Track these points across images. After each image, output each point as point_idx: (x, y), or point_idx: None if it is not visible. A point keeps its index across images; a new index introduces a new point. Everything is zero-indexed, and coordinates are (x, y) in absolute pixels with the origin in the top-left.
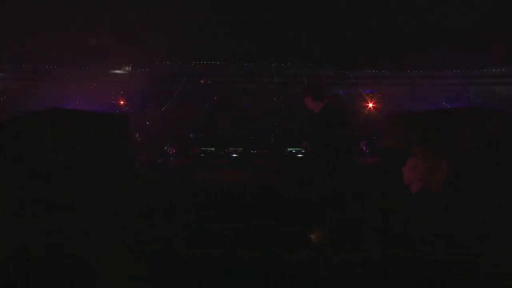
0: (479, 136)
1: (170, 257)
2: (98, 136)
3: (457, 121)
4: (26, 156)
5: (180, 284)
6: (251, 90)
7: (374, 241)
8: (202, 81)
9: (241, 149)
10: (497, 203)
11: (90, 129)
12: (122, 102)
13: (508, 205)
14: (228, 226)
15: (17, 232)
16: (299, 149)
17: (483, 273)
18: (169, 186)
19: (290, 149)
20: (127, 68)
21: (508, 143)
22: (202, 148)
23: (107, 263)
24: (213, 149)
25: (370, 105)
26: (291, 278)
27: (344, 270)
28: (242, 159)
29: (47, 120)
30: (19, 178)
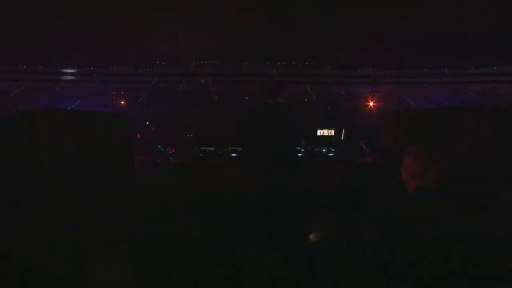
0: (478, 134)
1: (169, 256)
2: (95, 135)
3: (456, 119)
4: (21, 155)
5: (179, 284)
6: (252, 90)
7: (373, 240)
8: (202, 81)
9: (240, 148)
10: (495, 200)
11: (87, 129)
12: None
13: (505, 202)
14: (228, 226)
15: (12, 231)
16: (299, 148)
17: (482, 270)
18: (168, 185)
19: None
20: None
21: (507, 140)
22: (201, 148)
23: (105, 262)
24: (212, 148)
25: (371, 103)
26: (290, 278)
27: (343, 269)
28: (241, 158)
29: (42, 119)
30: (15, 177)
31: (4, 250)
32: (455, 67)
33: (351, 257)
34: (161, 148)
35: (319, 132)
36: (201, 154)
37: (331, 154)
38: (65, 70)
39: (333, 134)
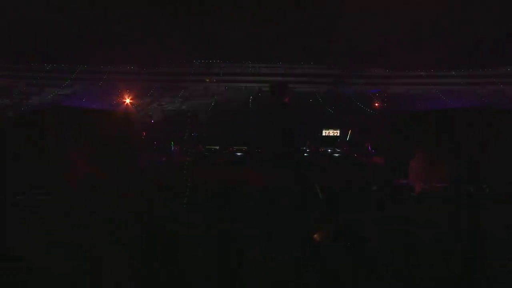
0: (485, 135)
1: (171, 255)
2: (100, 133)
3: (463, 120)
4: (29, 150)
5: (181, 283)
6: (255, 90)
7: (378, 240)
8: (207, 80)
9: (245, 148)
10: (500, 201)
11: (92, 127)
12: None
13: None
14: (231, 225)
15: (18, 224)
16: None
17: (484, 271)
18: (172, 184)
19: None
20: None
21: None
22: (206, 147)
23: (107, 260)
24: (217, 147)
25: (376, 104)
26: (292, 277)
27: (346, 270)
28: (246, 157)
29: (49, 117)
30: (23, 171)
31: (4, 249)
32: (462, 68)
33: (354, 257)
34: (172, 146)
35: (325, 133)
36: (206, 153)
37: (336, 155)
38: (71, 68)
39: (338, 134)
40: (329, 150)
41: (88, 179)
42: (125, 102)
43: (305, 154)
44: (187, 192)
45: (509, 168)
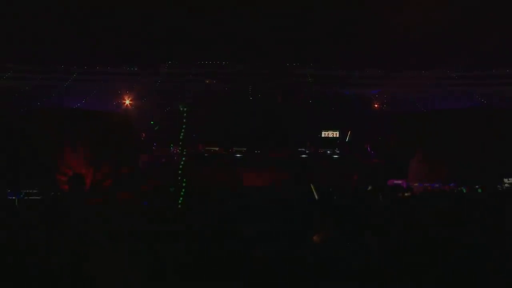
0: (485, 135)
1: (173, 254)
2: (100, 135)
3: (463, 120)
4: (26, 150)
5: (183, 281)
6: (257, 90)
7: (377, 240)
8: (207, 81)
9: (244, 149)
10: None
11: (92, 128)
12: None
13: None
14: (232, 224)
15: (17, 223)
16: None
17: (483, 270)
18: (171, 185)
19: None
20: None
21: None
22: (206, 148)
23: (108, 260)
24: (216, 149)
25: (376, 105)
26: (293, 276)
27: (346, 268)
28: (245, 158)
29: (48, 118)
30: (20, 171)
31: (4, 247)
32: (462, 68)
33: (353, 257)
34: (172, 148)
35: (324, 134)
36: (206, 154)
37: (336, 156)
38: (71, 69)
39: (337, 135)
40: (328, 152)
41: (85, 179)
42: (124, 103)
43: (303, 156)
44: (187, 192)
45: (509, 167)
